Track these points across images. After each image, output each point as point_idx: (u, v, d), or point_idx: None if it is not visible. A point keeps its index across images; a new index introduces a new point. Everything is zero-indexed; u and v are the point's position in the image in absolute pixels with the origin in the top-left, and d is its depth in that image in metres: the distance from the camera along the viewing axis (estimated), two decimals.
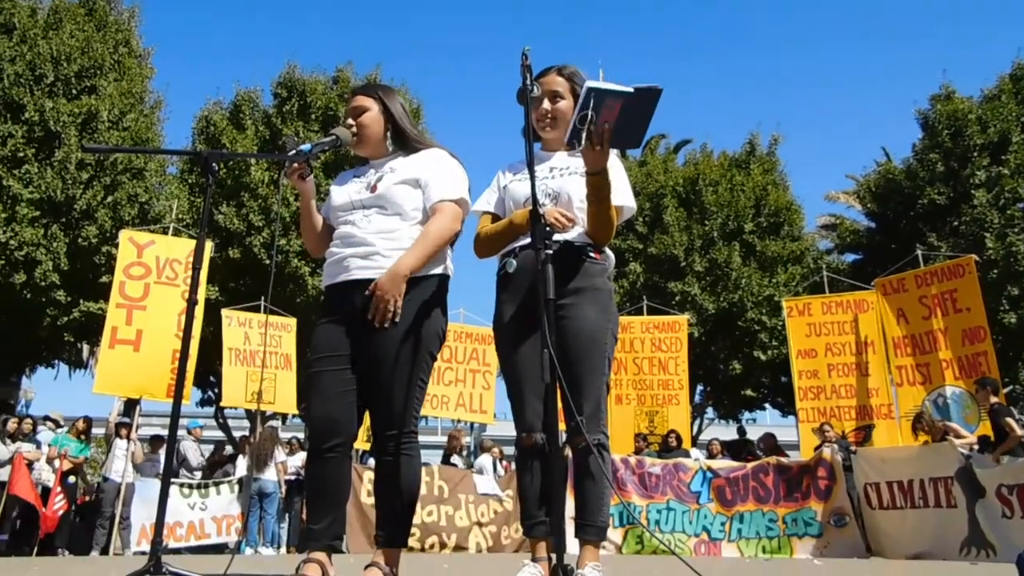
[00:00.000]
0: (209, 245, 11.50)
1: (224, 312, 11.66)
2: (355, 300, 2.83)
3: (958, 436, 8.45)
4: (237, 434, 15.78)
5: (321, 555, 2.75)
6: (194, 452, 11.57)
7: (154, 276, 10.06)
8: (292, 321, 12.24)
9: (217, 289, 14.72)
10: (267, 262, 14.95)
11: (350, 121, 3.04)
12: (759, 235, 18.44)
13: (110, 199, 13.58)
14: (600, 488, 2.64)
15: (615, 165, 2.86)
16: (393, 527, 2.80)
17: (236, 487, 10.64)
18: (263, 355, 11.66)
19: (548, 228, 2.38)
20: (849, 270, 18.11)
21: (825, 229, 23.84)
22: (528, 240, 2.63)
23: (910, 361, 10.62)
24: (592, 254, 2.78)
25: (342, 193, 3.03)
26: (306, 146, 2.86)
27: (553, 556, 2.09)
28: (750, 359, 17.57)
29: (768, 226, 18.69)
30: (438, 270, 2.91)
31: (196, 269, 2.87)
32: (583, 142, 2.42)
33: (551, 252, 2.32)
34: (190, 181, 16.02)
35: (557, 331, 2.58)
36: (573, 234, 2.76)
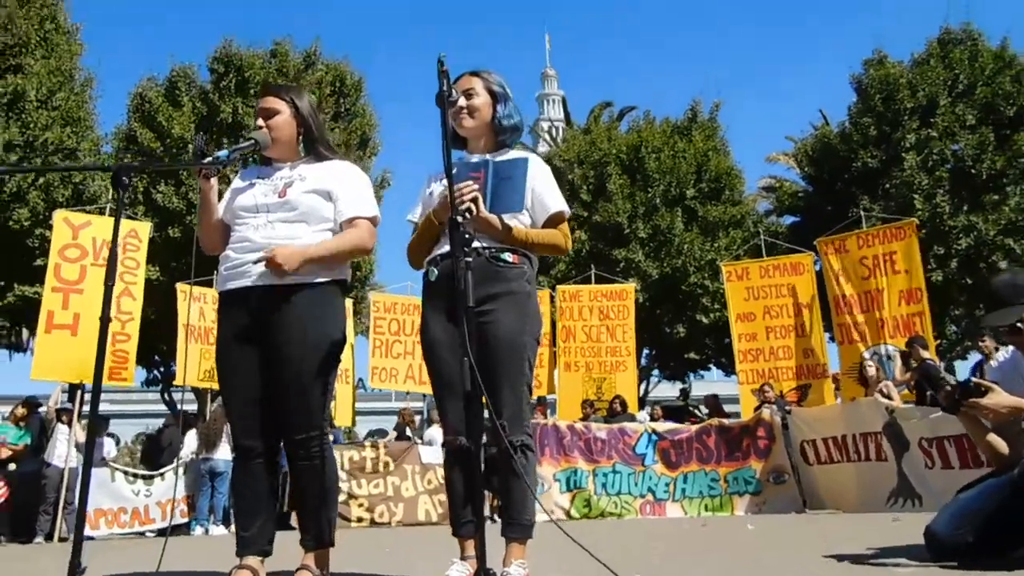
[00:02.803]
0: (148, 225, 10.98)
1: (179, 287, 11.33)
2: (254, 306, 2.80)
3: (889, 397, 8.66)
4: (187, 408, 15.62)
5: (253, 560, 2.77)
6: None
7: (91, 258, 9.68)
8: None
9: (158, 269, 14.41)
10: None
11: (260, 122, 2.97)
12: (701, 200, 18.67)
13: (41, 180, 13.13)
14: (524, 487, 2.68)
15: (535, 169, 2.88)
16: (319, 528, 2.82)
17: (181, 470, 10.47)
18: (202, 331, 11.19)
19: (467, 236, 2.38)
20: (787, 233, 18.41)
21: (766, 191, 24.18)
22: (449, 248, 2.64)
23: (849, 320, 10.79)
24: (509, 259, 2.80)
25: (247, 195, 2.95)
26: (223, 152, 2.81)
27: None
28: (693, 323, 17.88)
29: (710, 191, 18.93)
30: (338, 276, 2.93)
31: (113, 252, 2.73)
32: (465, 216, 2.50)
33: (470, 260, 2.34)
34: (126, 160, 15.46)
35: (477, 338, 2.62)
36: (489, 240, 2.78)
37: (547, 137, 29.68)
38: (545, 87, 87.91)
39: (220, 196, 3.00)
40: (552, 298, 13.68)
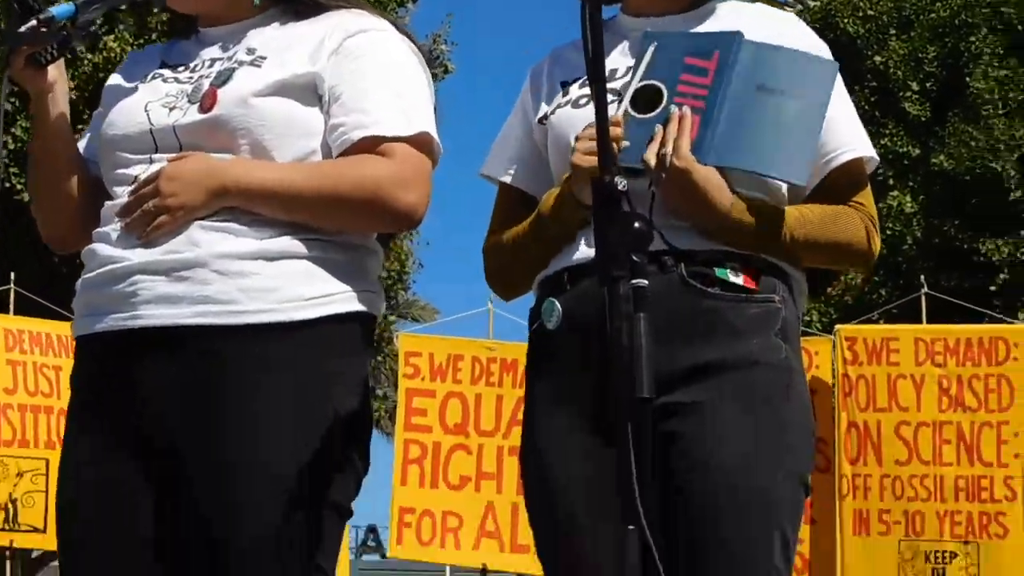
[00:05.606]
0: None
1: None
2: (148, 381, 2.18)
3: None
4: None
5: None
6: None
7: None
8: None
9: None
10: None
11: None
12: None
13: None
14: None
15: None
16: None
17: None
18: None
19: (643, 228, 1.67)
20: None
21: None
22: (588, 253, 2.15)
23: None
24: (737, 279, 2.27)
25: (131, 107, 2.38)
26: (64, 7, 2.25)
27: None
28: None
29: None
30: (344, 305, 2.22)
31: None
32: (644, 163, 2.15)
33: (643, 284, 1.65)
34: None
35: (664, 474, 2.13)
36: (690, 235, 2.24)
37: None
38: None
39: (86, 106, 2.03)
40: (835, 352, 11.33)
